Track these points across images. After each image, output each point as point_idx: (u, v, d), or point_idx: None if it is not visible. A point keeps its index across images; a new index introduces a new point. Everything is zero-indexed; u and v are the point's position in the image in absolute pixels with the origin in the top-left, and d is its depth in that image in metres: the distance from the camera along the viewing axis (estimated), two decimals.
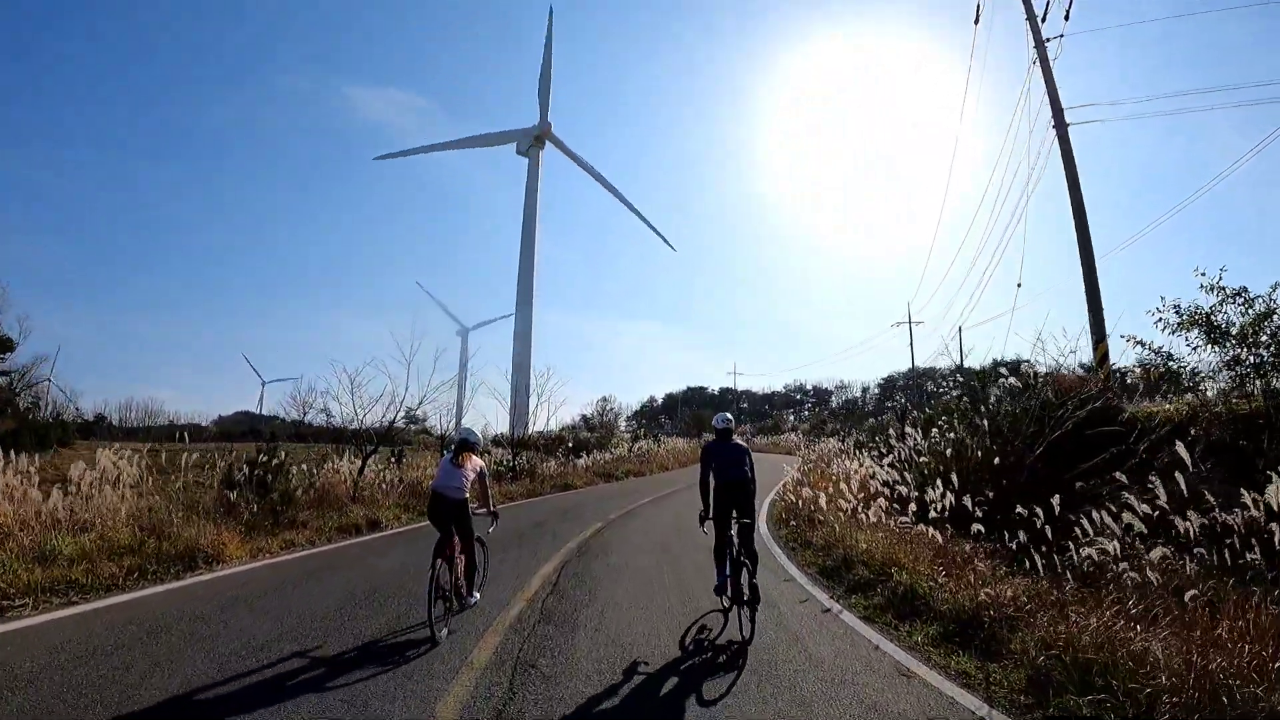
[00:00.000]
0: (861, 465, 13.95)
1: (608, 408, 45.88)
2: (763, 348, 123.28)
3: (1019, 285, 14.64)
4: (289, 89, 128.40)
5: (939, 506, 8.19)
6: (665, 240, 50.45)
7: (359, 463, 15.21)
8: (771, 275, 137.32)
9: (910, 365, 44.71)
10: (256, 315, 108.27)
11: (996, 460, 9.61)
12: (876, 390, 79.67)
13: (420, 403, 16.53)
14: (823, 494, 10.09)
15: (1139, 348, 9.64)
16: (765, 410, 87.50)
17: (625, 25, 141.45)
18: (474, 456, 6.11)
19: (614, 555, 9.08)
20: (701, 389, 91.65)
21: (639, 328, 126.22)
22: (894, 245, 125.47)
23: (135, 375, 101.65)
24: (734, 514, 5.83)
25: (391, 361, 17.35)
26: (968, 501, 7.92)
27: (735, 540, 5.74)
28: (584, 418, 40.91)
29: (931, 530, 7.71)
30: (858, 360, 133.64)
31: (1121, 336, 9.76)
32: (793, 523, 10.74)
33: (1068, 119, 14.35)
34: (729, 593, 5.76)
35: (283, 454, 12.67)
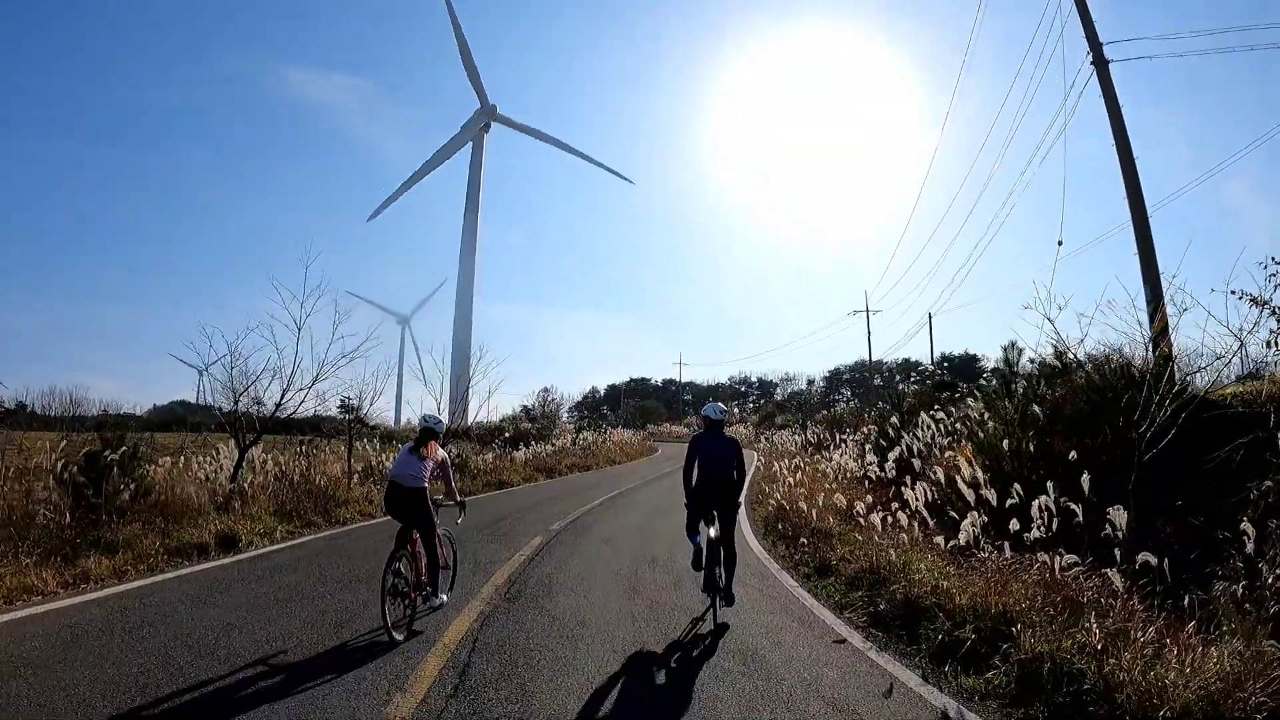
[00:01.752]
0: (862, 461, 11.55)
1: (549, 398, 42.42)
2: (707, 339, 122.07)
3: (1060, 243, 12.36)
4: (228, 70, 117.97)
5: (1043, 523, 5.68)
6: (621, 175, 58.05)
7: (238, 456, 11.68)
8: (718, 266, 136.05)
9: (869, 356, 43.34)
10: (198, 301, 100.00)
11: (1073, 455, 7.22)
12: (823, 383, 79.19)
13: (315, 379, 13.04)
14: (860, 503, 7.37)
15: (1252, 307, 7.37)
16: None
17: (574, 5, 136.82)
18: (437, 446, 5.67)
19: (561, 597, 6.09)
20: (645, 380, 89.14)
21: (581, 318, 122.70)
22: (849, 234, 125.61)
23: (73, 364, 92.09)
24: (715, 511, 5.56)
25: (282, 329, 13.54)
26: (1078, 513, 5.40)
27: (712, 535, 5.44)
28: (525, 408, 37.42)
29: (1043, 557, 5.16)
30: (804, 352, 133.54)
31: (1232, 292, 7.45)
32: (802, 540, 7.94)
33: (1107, 55, 12.23)
34: (702, 573, 5.47)
35: (129, 446, 9.25)
